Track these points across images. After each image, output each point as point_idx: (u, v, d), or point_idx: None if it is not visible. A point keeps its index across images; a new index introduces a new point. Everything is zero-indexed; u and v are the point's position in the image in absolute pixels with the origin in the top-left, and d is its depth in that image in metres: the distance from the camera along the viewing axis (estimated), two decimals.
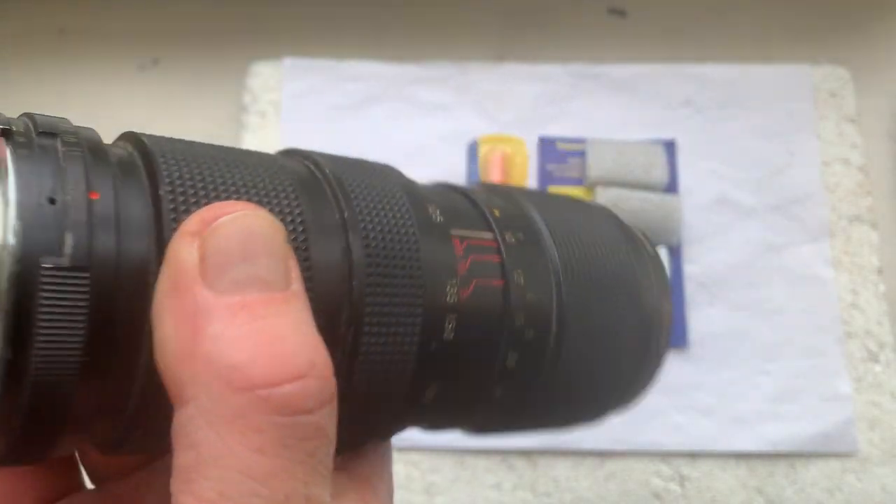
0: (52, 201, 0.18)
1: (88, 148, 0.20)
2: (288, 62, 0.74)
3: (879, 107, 0.73)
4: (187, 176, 0.21)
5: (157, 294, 0.19)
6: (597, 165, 0.67)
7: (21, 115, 0.21)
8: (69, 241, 0.18)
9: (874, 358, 0.64)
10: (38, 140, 0.19)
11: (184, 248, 0.19)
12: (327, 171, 0.25)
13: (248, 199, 0.21)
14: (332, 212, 0.24)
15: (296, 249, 0.21)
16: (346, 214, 0.24)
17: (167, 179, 0.20)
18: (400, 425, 0.27)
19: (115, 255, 0.19)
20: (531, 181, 0.69)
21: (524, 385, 0.27)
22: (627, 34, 0.77)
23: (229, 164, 0.22)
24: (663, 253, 0.65)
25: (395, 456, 0.63)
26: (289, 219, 0.22)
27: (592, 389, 0.30)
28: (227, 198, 0.21)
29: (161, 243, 0.20)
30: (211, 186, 0.21)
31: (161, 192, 0.20)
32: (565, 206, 0.31)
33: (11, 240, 0.18)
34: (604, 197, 0.65)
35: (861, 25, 0.76)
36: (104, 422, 0.20)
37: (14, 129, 0.19)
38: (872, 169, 0.70)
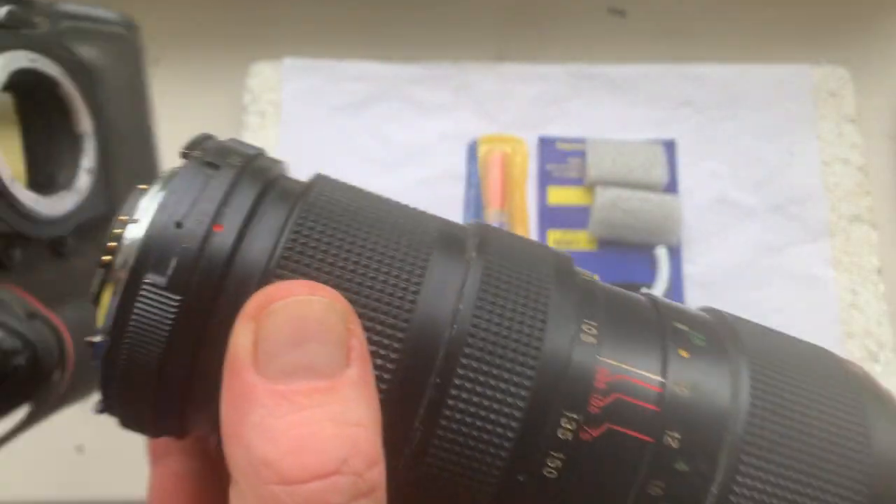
0: (178, 225, 0.21)
1: (249, 178, 0.22)
2: (288, 62, 0.74)
3: (879, 107, 0.73)
4: (320, 231, 0.22)
5: (223, 369, 0.19)
6: (596, 165, 0.67)
7: (202, 136, 0.23)
8: (172, 264, 0.20)
9: (874, 358, 0.64)
10: (202, 166, 0.22)
11: (240, 332, 0.19)
12: (474, 253, 0.23)
13: (372, 266, 0.21)
14: (452, 293, 0.22)
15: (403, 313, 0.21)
16: (464, 290, 0.22)
17: (295, 231, 0.21)
18: None
19: (213, 288, 0.20)
20: (531, 181, 0.69)
21: None
22: (627, 34, 0.77)
23: (373, 224, 0.22)
24: (663, 253, 0.65)
25: None
26: (402, 285, 0.21)
27: None
28: (348, 260, 0.21)
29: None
30: (335, 246, 0.22)
31: (280, 242, 0.21)
32: (796, 366, 0.24)
33: (134, 251, 0.20)
34: (604, 197, 0.65)
35: (861, 26, 0.76)
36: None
37: (190, 152, 0.22)
38: (872, 169, 0.70)
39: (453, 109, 0.72)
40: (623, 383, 0.22)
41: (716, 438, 0.22)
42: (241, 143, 0.24)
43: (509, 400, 0.21)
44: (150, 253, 0.21)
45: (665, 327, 0.23)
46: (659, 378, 0.22)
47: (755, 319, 0.67)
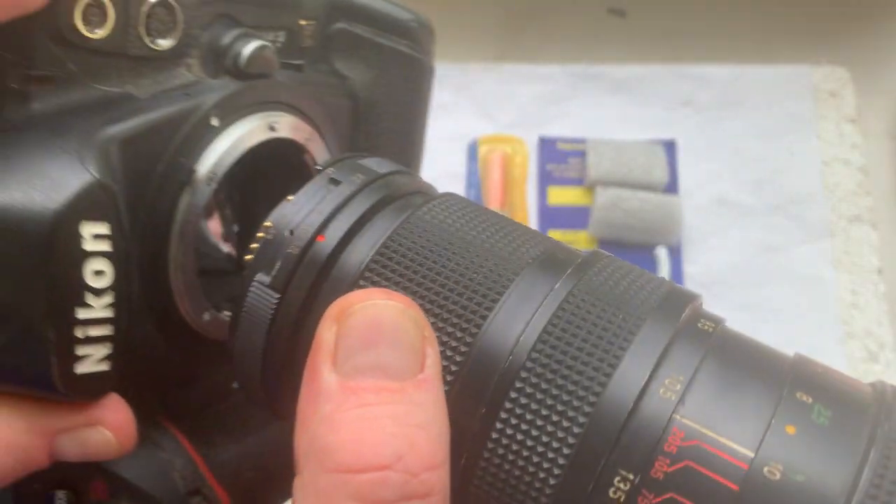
0: (290, 233, 0.23)
1: (365, 195, 0.24)
2: None
3: (879, 107, 0.73)
4: (408, 247, 0.23)
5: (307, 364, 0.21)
6: (597, 165, 0.67)
7: (342, 155, 0.26)
8: (277, 266, 0.23)
9: (874, 358, 0.64)
10: (327, 181, 0.24)
11: (324, 331, 0.21)
12: (564, 279, 0.22)
13: (448, 286, 0.22)
14: (521, 321, 0.21)
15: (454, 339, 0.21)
16: (532, 319, 0.21)
17: (386, 246, 0.23)
18: None
19: (309, 290, 0.23)
20: (531, 181, 0.69)
21: None
22: (627, 34, 0.77)
23: (463, 245, 0.23)
24: (663, 253, 0.65)
25: None
26: (472, 308, 0.21)
27: None
28: (426, 278, 0.22)
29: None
30: (418, 263, 0.23)
31: (370, 255, 0.23)
32: None
33: (254, 252, 0.23)
34: (604, 197, 0.65)
35: (861, 26, 0.76)
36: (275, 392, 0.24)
37: (324, 168, 0.25)
38: (872, 169, 0.70)
39: (454, 110, 0.72)
40: (699, 450, 0.19)
41: None
42: (379, 162, 0.26)
43: (555, 444, 0.20)
44: (264, 254, 0.23)
45: (783, 395, 0.20)
46: (748, 453, 0.19)
47: (755, 319, 0.67)
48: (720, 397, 0.20)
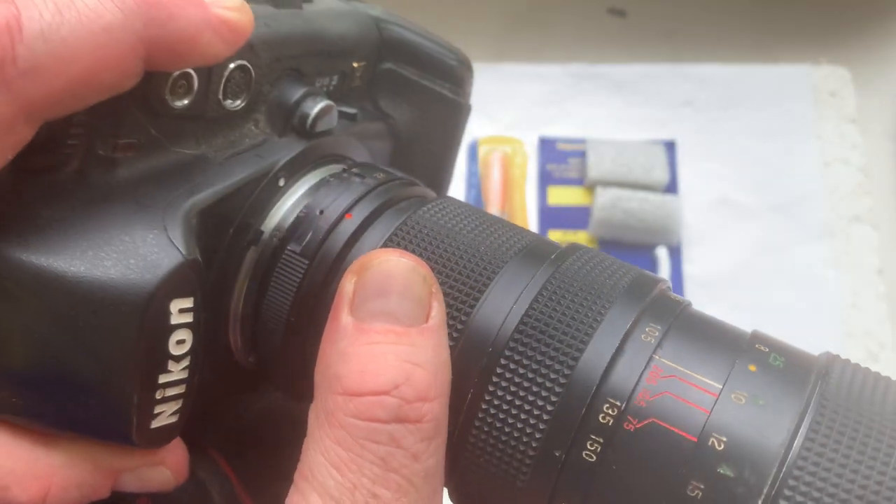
0: (321, 212, 0.27)
1: (384, 189, 0.28)
2: None
3: (880, 107, 0.73)
4: (411, 238, 0.27)
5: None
6: (597, 165, 0.67)
7: (363, 161, 0.30)
8: (308, 237, 0.27)
9: (874, 358, 0.64)
10: (353, 175, 0.28)
11: (346, 282, 0.24)
12: (555, 257, 0.26)
13: (444, 272, 0.26)
14: (512, 296, 0.25)
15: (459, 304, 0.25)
16: (522, 293, 0.25)
17: (394, 233, 0.27)
18: None
19: (334, 259, 0.26)
20: (531, 181, 0.69)
21: None
22: (627, 34, 0.77)
23: (456, 237, 0.27)
24: (663, 253, 0.65)
25: None
26: (467, 289, 0.25)
27: None
28: (428, 261, 0.26)
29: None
30: (420, 248, 0.27)
31: (384, 237, 0.27)
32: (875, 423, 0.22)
33: (286, 225, 0.27)
34: (604, 197, 0.65)
35: (861, 26, 0.76)
36: (294, 365, 0.27)
37: (349, 167, 0.29)
38: (872, 169, 0.70)
39: None
40: (676, 383, 0.23)
41: (768, 451, 0.21)
42: (392, 170, 0.30)
43: (552, 376, 0.23)
44: (297, 229, 0.27)
45: (744, 347, 0.23)
46: (717, 385, 0.22)
47: (755, 319, 0.67)
48: (692, 345, 0.23)
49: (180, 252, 0.24)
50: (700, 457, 0.21)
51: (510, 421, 0.23)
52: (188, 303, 0.24)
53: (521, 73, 0.73)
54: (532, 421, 0.23)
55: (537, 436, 0.23)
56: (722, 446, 0.21)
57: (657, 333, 0.23)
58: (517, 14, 0.77)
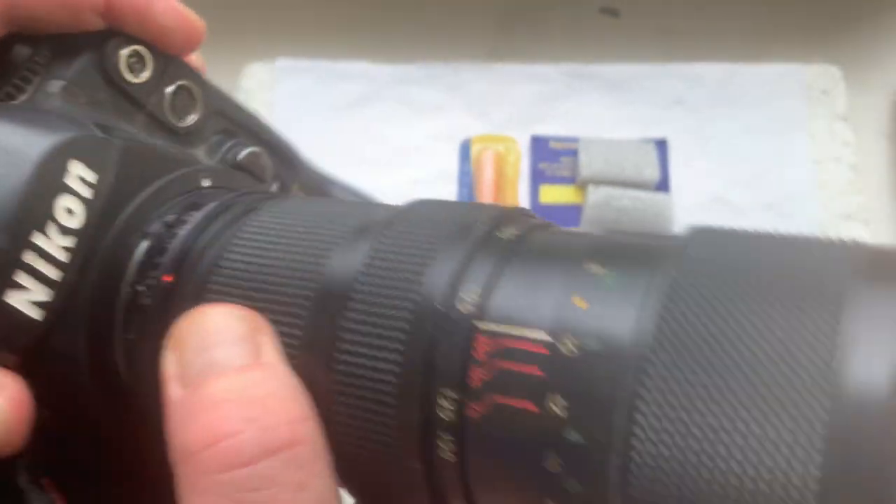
0: (160, 252, 0.26)
1: (231, 205, 0.27)
2: (281, 63, 0.74)
3: (871, 105, 0.73)
4: (246, 241, 0.25)
5: None
6: (589, 164, 0.67)
7: None
8: (146, 298, 0.25)
9: None
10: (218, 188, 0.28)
11: (166, 361, 0.22)
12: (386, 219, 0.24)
13: (280, 246, 0.24)
14: (352, 264, 0.23)
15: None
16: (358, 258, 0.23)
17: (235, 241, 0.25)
18: None
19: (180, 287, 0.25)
20: (523, 180, 0.69)
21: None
22: (620, 34, 0.77)
23: (300, 211, 0.25)
24: None
25: None
26: (310, 259, 0.23)
27: None
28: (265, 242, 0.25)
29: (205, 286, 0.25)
30: (256, 250, 0.25)
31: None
32: (748, 292, 0.18)
33: None
34: (595, 196, 0.65)
35: (852, 24, 0.77)
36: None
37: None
38: (864, 167, 0.70)
39: (446, 109, 0.72)
40: (506, 350, 0.20)
41: (607, 398, 0.18)
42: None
43: (384, 378, 0.21)
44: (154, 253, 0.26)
45: (573, 272, 0.20)
46: (546, 338, 0.19)
47: None
48: (517, 293, 0.20)
49: (99, 132, 0.24)
50: (546, 427, 0.19)
51: (361, 428, 0.21)
52: (90, 176, 0.24)
53: (514, 73, 0.74)
54: (379, 436, 0.21)
55: (391, 450, 0.21)
56: (564, 411, 0.19)
57: (476, 296, 0.20)
58: (509, 13, 0.77)
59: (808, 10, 0.76)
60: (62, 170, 0.23)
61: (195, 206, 0.27)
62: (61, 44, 0.27)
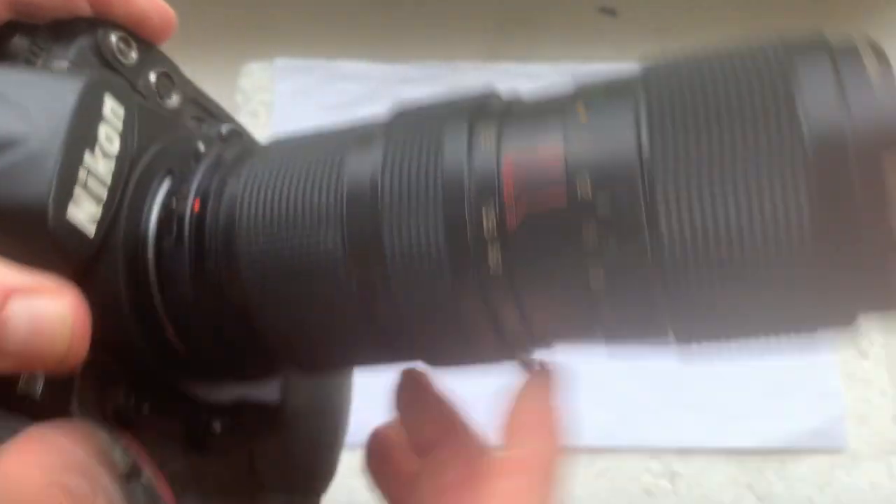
0: (173, 208, 0.29)
1: (218, 164, 0.30)
2: (279, 62, 0.74)
3: None
4: (257, 185, 0.28)
5: None
6: None
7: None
8: (174, 229, 0.28)
9: (864, 355, 0.64)
10: (203, 159, 0.30)
11: None
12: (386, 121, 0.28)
13: (297, 179, 0.27)
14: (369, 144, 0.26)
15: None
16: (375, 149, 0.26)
17: (242, 190, 0.28)
18: (501, 353, 0.27)
19: (206, 235, 0.28)
20: None
21: (630, 301, 0.24)
22: (618, 33, 0.77)
23: (297, 162, 0.28)
24: None
25: None
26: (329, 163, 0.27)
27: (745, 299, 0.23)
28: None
29: (235, 233, 0.28)
30: (269, 190, 0.27)
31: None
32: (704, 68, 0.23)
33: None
34: None
35: (852, 24, 0.77)
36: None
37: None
38: None
39: None
40: (527, 164, 0.24)
41: (626, 165, 0.22)
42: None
43: (431, 216, 0.24)
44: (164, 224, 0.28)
45: (565, 109, 0.24)
46: (558, 146, 0.23)
47: None
48: (524, 126, 0.25)
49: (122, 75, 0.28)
50: (577, 210, 0.23)
51: (416, 265, 0.24)
52: (119, 111, 0.26)
53: (512, 73, 0.74)
54: (433, 253, 0.24)
55: (444, 263, 0.24)
56: (589, 190, 0.23)
57: (493, 132, 0.25)
58: (507, 13, 0.77)
59: (806, 10, 0.76)
60: (100, 100, 0.26)
61: (199, 156, 0.30)
62: (57, 30, 0.29)
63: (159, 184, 0.28)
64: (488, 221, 0.24)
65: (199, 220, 0.27)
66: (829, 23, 0.76)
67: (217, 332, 0.28)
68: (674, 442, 0.61)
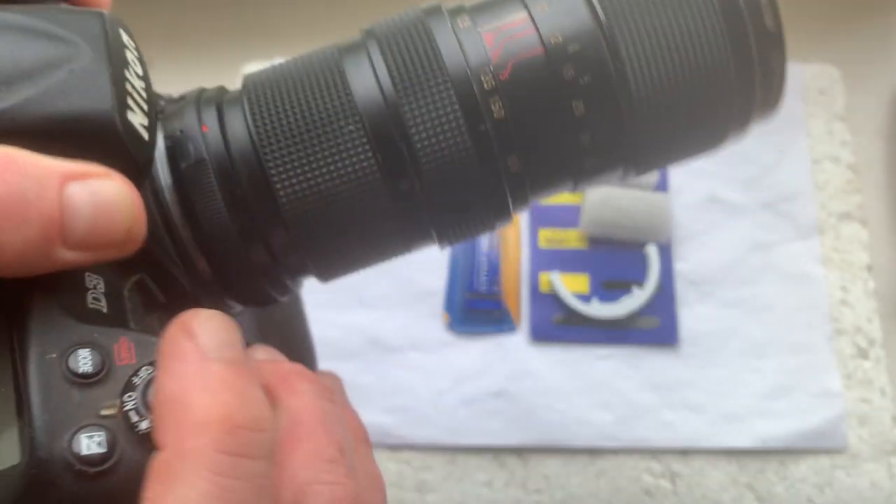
0: (181, 132, 0.31)
1: (206, 99, 0.32)
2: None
3: (869, 105, 0.73)
4: (263, 103, 0.31)
5: None
6: None
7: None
8: (191, 148, 0.30)
9: (864, 354, 0.64)
10: (181, 104, 0.32)
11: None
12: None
13: (301, 90, 0.31)
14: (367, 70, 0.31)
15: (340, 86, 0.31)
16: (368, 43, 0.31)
17: (248, 109, 0.32)
18: (499, 198, 0.31)
19: (224, 147, 0.31)
20: None
21: (605, 125, 0.30)
22: None
23: (295, 80, 0.32)
24: (653, 251, 0.65)
25: (387, 454, 0.64)
26: (333, 87, 0.31)
27: (688, 109, 0.31)
28: (289, 103, 0.31)
29: (255, 145, 0.31)
30: (280, 103, 0.31)
31: (247, 117, 0.32)
32: None
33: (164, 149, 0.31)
34: (594, 195, 0.65)
35: (851, 24, 0.77)
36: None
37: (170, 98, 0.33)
38: (862, 166, 0.71)
39: None
40: (505, 32, 0.30)
41: (587, 20, 0.30)
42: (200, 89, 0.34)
43: (441, 92, 0.30)
44: (178, 149, 0.31)
45: None
46: (525, 17, 0.30)
47: (745, 317, 0.68)
48: (491, 10, 0.31)
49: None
50: (554, 55, 0.30)
51: (441, 145, 0.30)
52: (131, 42, 0.28)
53: None
54: (456, 134, 0.29)
55: (460, 114, 0.29)
56: (560, 38, 0.30)
57: (468, 18, 0.31)
58: None
59: (806, 11, 0.76)
60: (118, 31, 0.27)
61: (180, 98, 0.33)
62: None
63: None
64: (486, 81, 0.30)
65: (213, 140, 0.31)
66: (832, 26, 0.76)
67: (242, 250, 0.31)
68: (674, 442, 0.61)
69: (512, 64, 0.30)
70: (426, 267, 0.66)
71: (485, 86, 0.29)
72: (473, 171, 0.30)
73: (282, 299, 0.34)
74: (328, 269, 0.33)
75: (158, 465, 0.20)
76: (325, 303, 0.63)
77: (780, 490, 0.61)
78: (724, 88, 0.31)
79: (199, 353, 0.22)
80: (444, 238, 0.33)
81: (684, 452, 0.62)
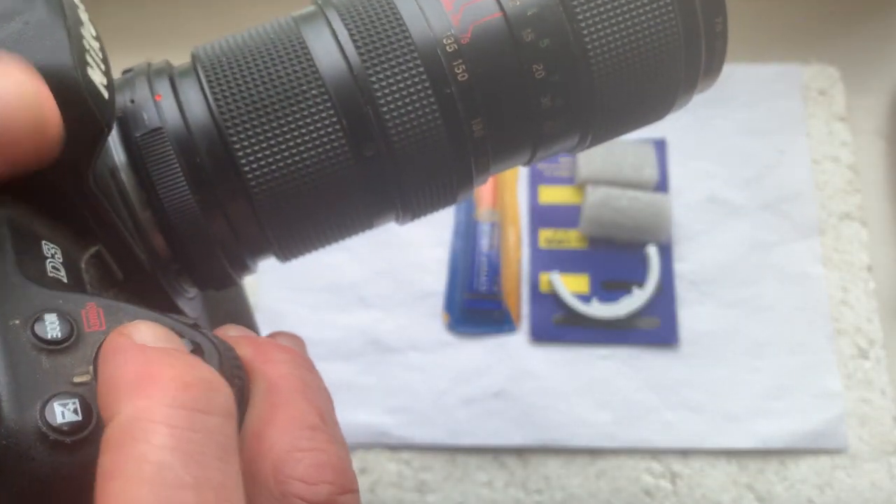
0: (132, 101, 0.30)
1: (156, 71, 0.32)
2: None
3: (869, 105, 0.73)
4: (221, 73, 0.30)
5: None
6: (587, 164, 0.67)
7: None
8: (145, 117, 0.29)
9: (864, 355, 0.64)
10: (129, 75, 0.32)
11: None
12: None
13: (261, 60, 0.31)
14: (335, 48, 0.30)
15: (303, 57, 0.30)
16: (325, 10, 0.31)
17: (205, 79, 0.31)
18: (463, 163, 0.32)
19: (181, 116, 0.30)
20: (522, 180, 0.69)
21: (565, 87, 0.31)
22: None
23: (252, 50, 0.31)
24: (653, 251, 0.65)
25: (387, 454, 0.64)
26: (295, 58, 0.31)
27: (642, 72, 0.32)
28: (248, 73, 0.31)
29: (214, 116, 0.30)
30: (238, 73, 0.30)
31: (204, 86, 0.31)
32: None
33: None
34: (594, 196, 0.65)
35: (851, 24, 0.77)
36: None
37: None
38: (862, 167, 0.71)
39: None
40: (462, 1, 0.31)
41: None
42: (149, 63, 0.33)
43: (406, 50, 0.30)
44: (130, 119, 0.30)
45: None
46: None
47: (745, 317, 0.67)
48: None
49: None
50: (514, 18, 0.30)
51: (409, 108, 0.30)
52: (82, 6, 0.27)
53: None
54: (423, 97, 0.30)
55: (427, 83, 0.30)
56: (518, 2, 0.30)
57: None
58: None
59: (805, 11, 0.76)
60: (74, 5, 0.26)
61: (127, 71, 0.32)
62: None
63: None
64: (449, 45, 0.30)
65: (169, 109, 0.30)
66: (832, 26, 0.76)
67: (204, 229, 0.30)
68: (674, 442, 0.61)
69: (472, 28, 0.30)
70: (426, 267, 0.66)
71: (448, 49, 0.30)
72: (440, 135, 0.30)
73: (239, 280, 0.33)
74: (289, 244, 0.32)
75: (110, 433, 0.19)
76: (325, 303, 0.64)
77: (780, 490, 0.61)
78: (674, 51, 0.33)
79: (139, 346, 0.21)
80: (407, 208, 0.32)
81: (684, 453, 0.62)
